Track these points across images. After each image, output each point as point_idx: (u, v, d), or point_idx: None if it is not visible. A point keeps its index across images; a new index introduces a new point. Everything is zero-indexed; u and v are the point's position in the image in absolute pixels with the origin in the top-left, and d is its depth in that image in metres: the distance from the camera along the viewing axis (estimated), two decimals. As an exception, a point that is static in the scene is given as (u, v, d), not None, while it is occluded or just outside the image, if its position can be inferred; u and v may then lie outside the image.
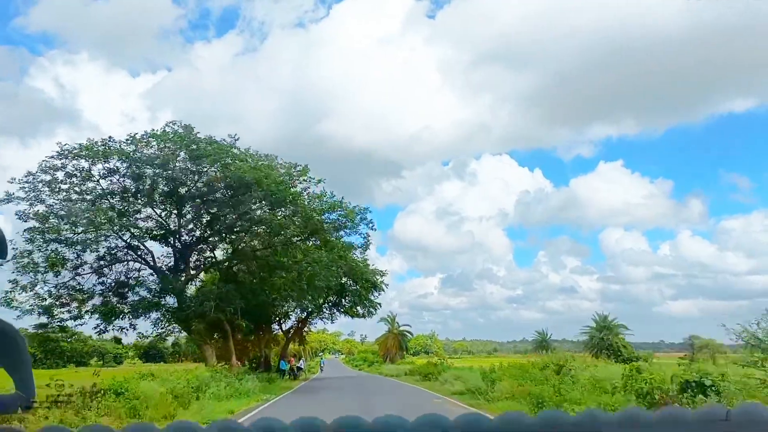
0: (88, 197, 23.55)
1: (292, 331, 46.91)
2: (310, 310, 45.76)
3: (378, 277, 44.59)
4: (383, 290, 44.88)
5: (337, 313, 46.95)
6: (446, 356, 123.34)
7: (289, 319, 47.69)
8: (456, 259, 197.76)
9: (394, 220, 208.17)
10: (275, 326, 46.70)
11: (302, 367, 41.99)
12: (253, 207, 23.76)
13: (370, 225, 28.56)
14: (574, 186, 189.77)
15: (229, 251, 28.70)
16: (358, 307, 45.13)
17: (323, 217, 26.99)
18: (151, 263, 26.73)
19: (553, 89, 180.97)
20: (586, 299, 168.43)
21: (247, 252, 27.23)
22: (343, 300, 45.76)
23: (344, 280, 43.18)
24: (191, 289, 27.89)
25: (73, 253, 24.09)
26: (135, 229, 25.13)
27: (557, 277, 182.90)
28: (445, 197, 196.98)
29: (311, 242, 27.63)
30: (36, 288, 23.12)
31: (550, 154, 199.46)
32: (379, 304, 44.62)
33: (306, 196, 26.26)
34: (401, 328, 73.64)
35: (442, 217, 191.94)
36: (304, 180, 26.02)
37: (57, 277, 23.26)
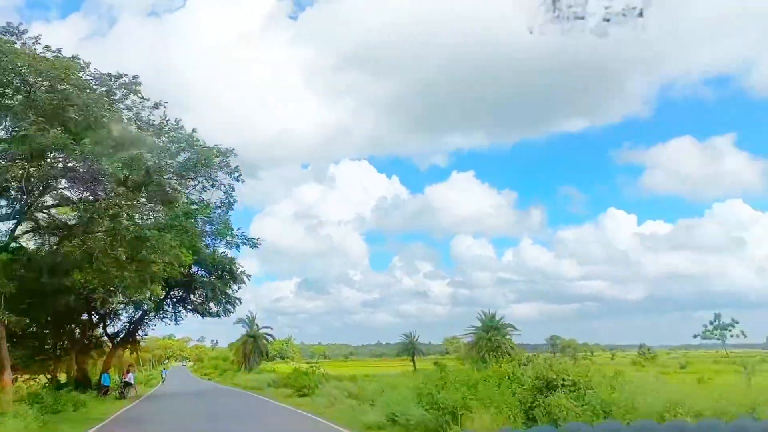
0: None
1: (122, 335, 36.07)
2: (146, 307, 35.32)
3: (238, 267, 35.52)
4: (244, 282, 35.89)
5: (184, 312, 36.87)
6: (303, 361, 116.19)
7: (119, 319, 36.65)
8: (313, 263, 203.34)
9: (250, 222, 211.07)
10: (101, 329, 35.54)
11: (131, 382, 31.65)
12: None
13: (236, 175, 19.80)
14: (429, 194, 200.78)
15: None
16: (211, 304, 35.65)
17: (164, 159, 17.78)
18: None
19: (412, 98, 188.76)
20: (438, 303, 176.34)
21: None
22: (191, 295, 35.88)
23: (194, 269, 33.70)
24: None
25: None
26: None
27: (411, 282, 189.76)
28: (304, 200, 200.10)
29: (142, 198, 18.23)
30: None
31: (407, 162, 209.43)
32: (239, 299, 35.60)
33: (133, 117, 17.08)
34: (262, 331, 64.36)
35: (300, 220, 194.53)
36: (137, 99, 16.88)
37: None
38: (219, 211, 22.06)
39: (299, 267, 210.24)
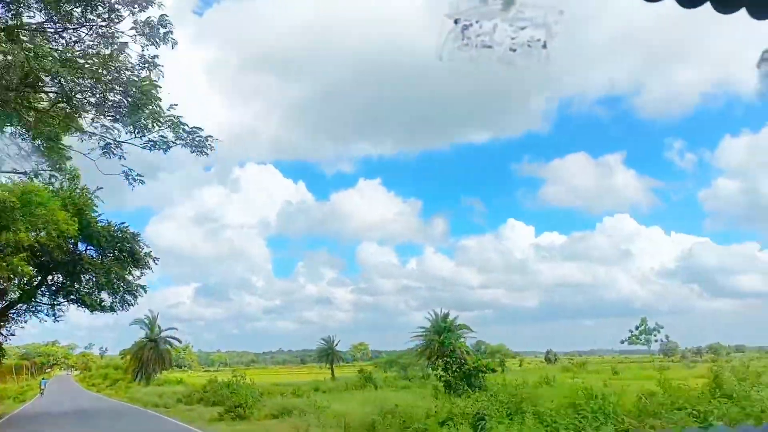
0: None
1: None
2: (12, 296, 26.94)
3: (142, 247, 28.00)
4: (149, 267, 28.20)
5: (66, 304, 28.46)
6: (202, 369, 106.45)
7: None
8: (213, 268, 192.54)
9: (146, 224, 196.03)
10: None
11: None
12: None
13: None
14: (335, 200, 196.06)
15: None
16: (104, 293, 27.62)
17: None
18: None
19: (320, 103, 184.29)
20: (341, 310, 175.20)
21: None
22: (76, 282, 27.51)
23: (81, 247, 26.03)
24: None
25: None
26: None
27: (314, 288, 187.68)
28: (205, 203, 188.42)
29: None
30: None
31: (313, 168, 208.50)
32: (142, 288, 27.79)
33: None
34: (165, 334, 55.25)
35: (200, 224, 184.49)
36: None
37: None
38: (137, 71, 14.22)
39: (198, 272, 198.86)
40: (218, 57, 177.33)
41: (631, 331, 70.21)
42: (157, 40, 13.87)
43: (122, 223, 25.86)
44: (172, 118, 14.94)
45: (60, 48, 12.36)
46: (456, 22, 1.59)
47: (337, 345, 76.26)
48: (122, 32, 13.47)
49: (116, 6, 13.10)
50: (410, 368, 47.59)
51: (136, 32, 13.55)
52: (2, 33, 10.73)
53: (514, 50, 1.56)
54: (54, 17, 12.11)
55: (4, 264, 18.28)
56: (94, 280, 26.46)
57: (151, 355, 49.99)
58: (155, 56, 14.31)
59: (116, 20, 13.15)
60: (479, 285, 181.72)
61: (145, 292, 27.76)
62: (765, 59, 1.45)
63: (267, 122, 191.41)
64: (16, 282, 24.26)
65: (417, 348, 45.34)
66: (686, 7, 1.51)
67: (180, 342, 61.17)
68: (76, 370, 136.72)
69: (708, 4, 1.50)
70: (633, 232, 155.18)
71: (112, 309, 27.49)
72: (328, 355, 75.02)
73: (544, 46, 1.55)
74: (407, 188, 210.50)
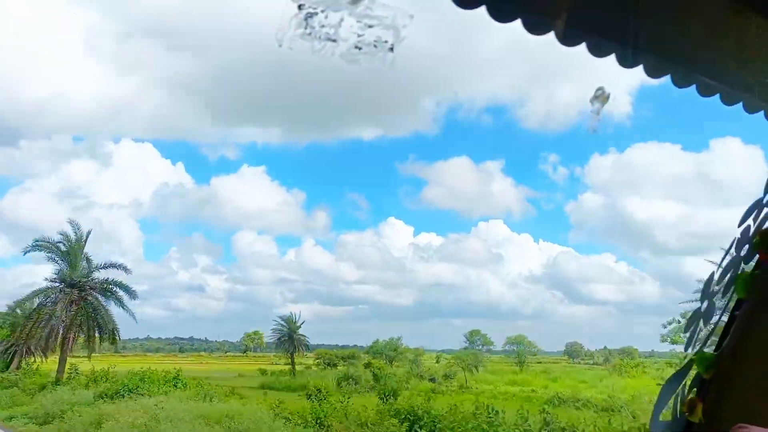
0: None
1: None
2: None
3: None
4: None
5: None
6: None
7: None
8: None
9: (3, 195, 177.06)
10: None
11: None
12: None
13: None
14: (216, 185, 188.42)
15: None
16: None
17: None
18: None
19: (207, 83, 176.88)
20: (213, 298, 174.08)
21: None
22: None
23: None
24: None
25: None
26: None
27: (187, 275, 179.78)
28: (73, 178, 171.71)
29: None
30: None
31: (195, 150, 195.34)
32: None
33: None
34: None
35: (66, 200, 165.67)
36: None
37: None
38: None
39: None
40: (97, 21, 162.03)
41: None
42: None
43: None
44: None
45: None
46: (300, 7, 1.48)
47: (300, 328, 66.39)
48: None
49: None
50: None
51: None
52: None
53: (359, 48, 1.49)
54: None
55: None
56: None
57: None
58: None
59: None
60: (356, 280, 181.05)
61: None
62: (597, 96, 1.47)
63: (148, 97, 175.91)
64: None
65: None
66: (464, 8, 1.52)
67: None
68: None
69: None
70: (505, 238, 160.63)
71: None
72: (285, 342, 65.16)
73: (391, 49, 1.48)
74: (292, 179, 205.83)
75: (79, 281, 41.83)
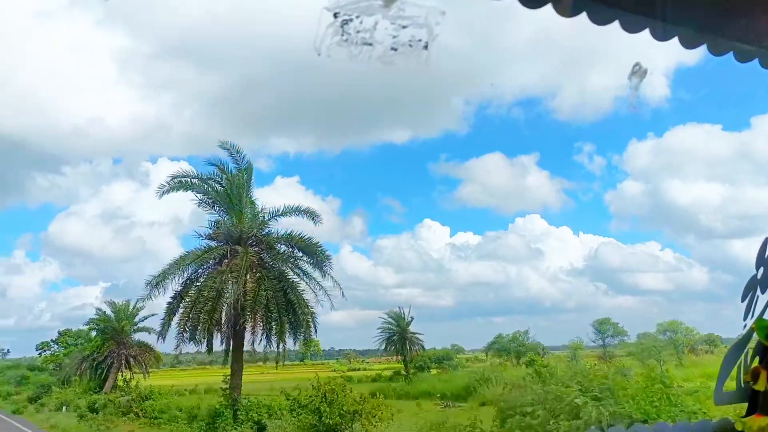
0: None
1: None
2: None
3: None
4: None
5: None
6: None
7: None
8: (122, 267, 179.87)
9: (50, 221, 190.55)
10: None
11: None
12: None
13: None
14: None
15: None
16: None
17: None
18: None
19: (236, 97, 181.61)
20: None
21: None
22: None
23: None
24: None
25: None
26: None
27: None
28: (114, 199, 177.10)
29: None
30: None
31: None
32: None
33: None
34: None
35: (108, 221, 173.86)
36: None
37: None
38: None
39: (106, 271, 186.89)
40: (128, 45, 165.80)
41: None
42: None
43: None
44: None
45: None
46: (335, 15, 1.54)
47: (410, 325, 57.79)
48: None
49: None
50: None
51: None
52: None
53: (395, 49, 1.54)
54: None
55: None
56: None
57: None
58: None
59: None
60: (395, 284, 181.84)
61: None
62: (635, 72, 1.46)
63: (181, 115, 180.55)
64: None
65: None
66: (530, 8, 1.51)
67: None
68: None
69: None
70: (544, 232, 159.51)
71: None
72: (399, 339, 57.08)
73: (426, 47, 1.52)
74: (325, 187, 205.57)
75: (252, 235, 27.45)
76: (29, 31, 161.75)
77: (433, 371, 57.72)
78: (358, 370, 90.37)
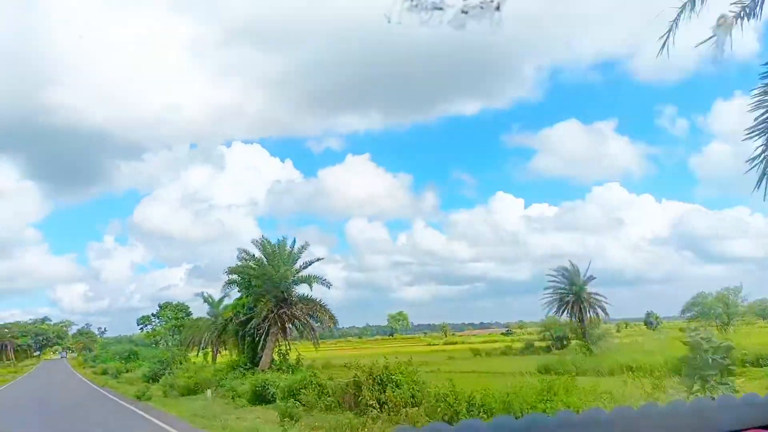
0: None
1: None
2: None
3: None
4: None
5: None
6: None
7: None
8: (203, 249, 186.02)
9: (135, 206, 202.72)
10: None
11: None
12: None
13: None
14: (323, 177, 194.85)
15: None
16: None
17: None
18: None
19: (305, 76, 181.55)
20: (333, 287, 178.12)
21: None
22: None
23: None
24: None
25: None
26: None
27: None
28: (193, 183, 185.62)
29: None
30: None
31: (300, 145, 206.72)
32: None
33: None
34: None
35: (188, 204, 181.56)
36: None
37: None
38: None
39: (189, 253, 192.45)
40: (197, 31, 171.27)
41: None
42: None
43: None
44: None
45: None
46: None
47: (587, 284, 45.71)
48: None
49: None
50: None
51: None
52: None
53: (466, 12, 1.54)
54: None
55: None
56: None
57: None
58: None
59: None
60: (470, 258, 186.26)
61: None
62: (719, 25, 0.99)
63: (252, 98, 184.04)
64: None
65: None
66: None
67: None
68: (72, 351, 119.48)
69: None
70: (624, 201, 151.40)
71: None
72: (576, 299, 45.29)
73: (498, 8, 1.54)
74: (397, 163, 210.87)
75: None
76: (107, 23, 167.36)
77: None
78: (456, 344, 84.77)
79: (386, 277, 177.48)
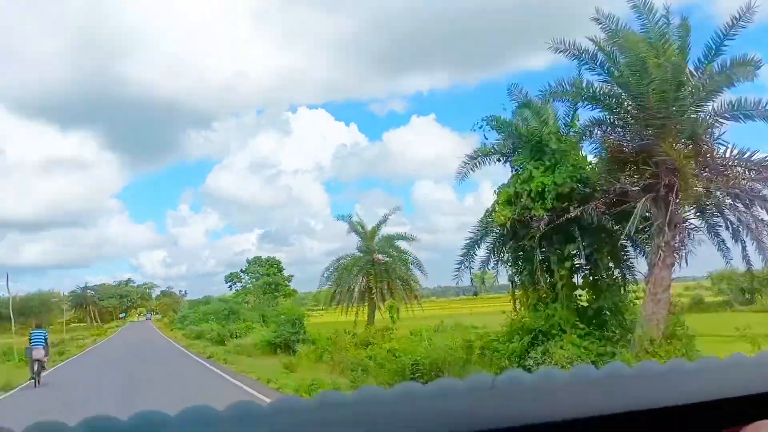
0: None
1: None
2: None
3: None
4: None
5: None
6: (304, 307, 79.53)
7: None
8: (273, 214, 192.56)
9: (207, 174, 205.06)
10: None
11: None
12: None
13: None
14: (387, 140, 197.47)
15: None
16: None
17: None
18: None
19: (367, 38, 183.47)
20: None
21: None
22: None
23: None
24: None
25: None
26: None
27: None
28: (261, 149, 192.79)
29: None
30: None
31: (365, 108, 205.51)
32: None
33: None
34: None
35: (257, 171, 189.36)
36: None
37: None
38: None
39: (259, 219, 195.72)
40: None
41: None
42: None
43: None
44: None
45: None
46: None
47: None
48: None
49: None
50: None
51: None
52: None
53: None
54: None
55: None
56: None
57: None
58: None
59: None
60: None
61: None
62: None
63: (316, 62, 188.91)
64: None
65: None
66: None
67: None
68: (156, 313, 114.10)
69: None
70: None
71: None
72: None
73: None
74: (463, 123, 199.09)
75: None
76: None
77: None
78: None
79: (454, 238, 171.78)
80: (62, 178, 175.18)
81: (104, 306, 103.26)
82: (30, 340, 20.07)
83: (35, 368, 19.08)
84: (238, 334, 33.09)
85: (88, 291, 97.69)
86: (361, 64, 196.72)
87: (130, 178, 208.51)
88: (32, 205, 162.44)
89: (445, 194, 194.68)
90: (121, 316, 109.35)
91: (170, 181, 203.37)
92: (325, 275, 27.93)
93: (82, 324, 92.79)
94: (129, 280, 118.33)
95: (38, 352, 19.43)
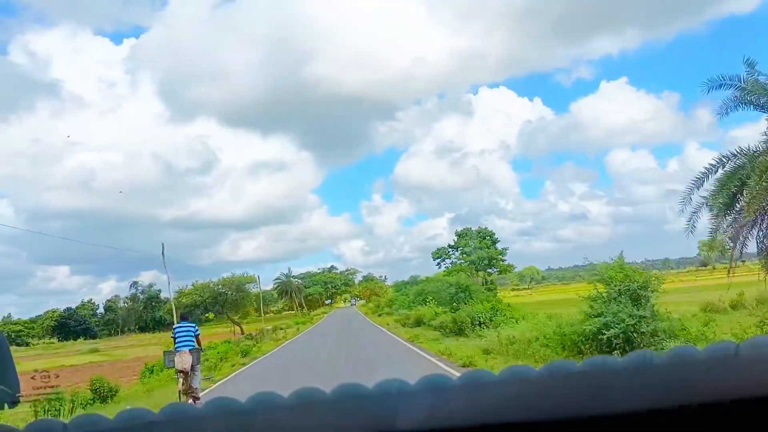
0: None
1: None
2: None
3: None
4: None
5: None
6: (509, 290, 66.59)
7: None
8: (462, 197, 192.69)
9: (395, 164, 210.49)
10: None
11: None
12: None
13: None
14: (575, 110, 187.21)
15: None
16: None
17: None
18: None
19: (544, 2, 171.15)
20: (598, 224, 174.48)
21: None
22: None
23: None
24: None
25: None
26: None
27: (566, 206, 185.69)
28: (445, 134, 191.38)
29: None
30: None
31: (548, 80, 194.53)
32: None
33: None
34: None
35: (443, 155, 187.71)
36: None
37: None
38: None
39: (449, 203, 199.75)
40: None
41: None
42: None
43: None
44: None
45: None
46: None
47: None
48: None
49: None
50: None
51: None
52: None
53: None
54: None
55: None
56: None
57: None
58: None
59: None
60: None
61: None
62: None
63: (492, 39, 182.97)
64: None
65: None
66: None
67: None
68: (360, 299, 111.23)
69: None
70: None
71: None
72: None
73: None
74: (659, 82, 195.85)
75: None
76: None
77: None
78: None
79: (659, 208, 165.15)
80: (267, 180, 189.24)
81: (310, 293, 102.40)
82: (174, 338, 11.18)
83: (182, 383, 11.19)
84: (482, 321, 22.02)
85: (293, 279, 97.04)
86: (540, 33, 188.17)
87: (325, 174, 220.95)
88: (244, 206, 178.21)
89: (643, 161, 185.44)
90: (327, 302, 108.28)
91: (362, 173, 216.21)
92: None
93: (290, 312, 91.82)
94: (332, 267, 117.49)
95: (184, 359, 10.98)
